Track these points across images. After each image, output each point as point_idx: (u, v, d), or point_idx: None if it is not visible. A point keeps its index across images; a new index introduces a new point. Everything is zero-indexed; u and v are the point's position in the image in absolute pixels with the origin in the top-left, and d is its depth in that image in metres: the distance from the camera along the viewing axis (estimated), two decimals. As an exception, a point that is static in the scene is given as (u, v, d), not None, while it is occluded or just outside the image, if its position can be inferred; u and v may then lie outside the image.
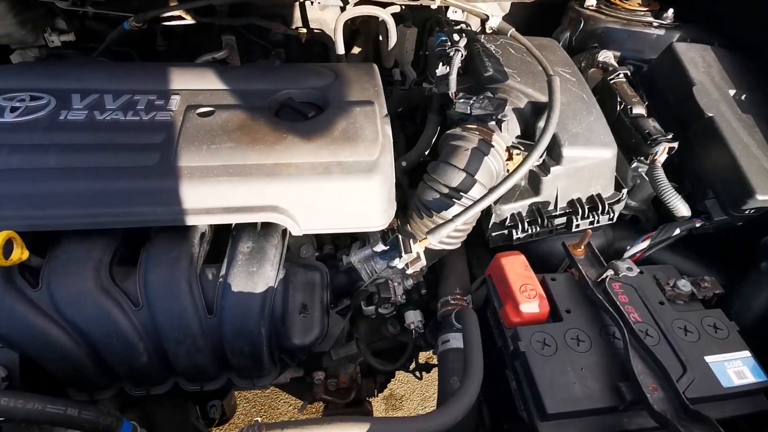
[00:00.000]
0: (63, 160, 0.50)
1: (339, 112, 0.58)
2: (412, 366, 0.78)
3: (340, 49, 0.76)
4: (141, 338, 0.48)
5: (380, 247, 0.56)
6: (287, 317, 0.53)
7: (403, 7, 0.84)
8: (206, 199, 0.50)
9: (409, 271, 0.53)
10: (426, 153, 0.72)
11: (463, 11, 0.94)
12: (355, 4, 0.86)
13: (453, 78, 0.60)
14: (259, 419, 0.39)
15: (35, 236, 0.50)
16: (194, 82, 0.62)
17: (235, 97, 0.60)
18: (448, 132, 0.57)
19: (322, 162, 0.53)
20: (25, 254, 0.47)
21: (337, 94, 0.61)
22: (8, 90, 0.56)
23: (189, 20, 0.83)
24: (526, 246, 0.61)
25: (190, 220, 0.50)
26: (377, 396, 0.78)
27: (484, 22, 0.65)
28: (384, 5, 0.82)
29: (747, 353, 0.47)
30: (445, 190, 0.54)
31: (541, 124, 0.54)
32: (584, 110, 0.60)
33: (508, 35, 0.60)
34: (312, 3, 0.91)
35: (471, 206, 0.49)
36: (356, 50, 0.88)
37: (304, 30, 0.90)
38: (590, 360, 0.46)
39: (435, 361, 0.68)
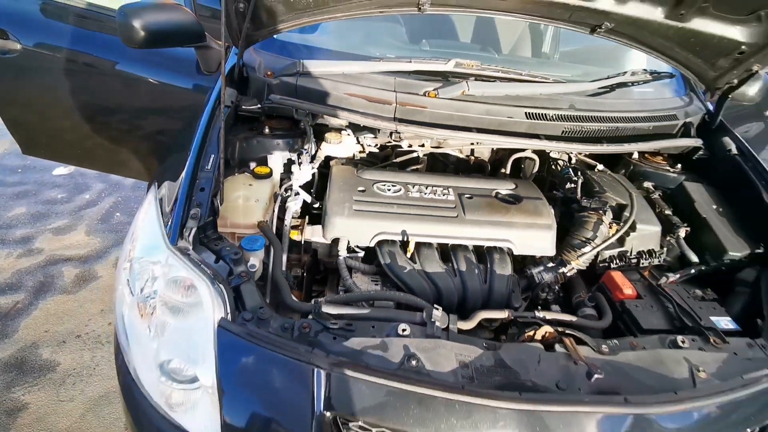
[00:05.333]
0: (414, 209, 1.14)
1: (530, 201, 1.22)
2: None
3: (507, 171, 1.45)
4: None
5: (551, 264, 1.16)
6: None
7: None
8: (478, 234, 1.13)
9: (569, 274, 1.13)
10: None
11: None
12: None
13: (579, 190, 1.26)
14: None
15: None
16: (454, 183, 1.28)
17: (477, 191, 1.25)
18: (580, 214, 1.21)
19: (527, 222, 1.15)
20: (413, 248, 1.10)
21: (524, 193, 1.26)
22: (380, 180, 1.22)
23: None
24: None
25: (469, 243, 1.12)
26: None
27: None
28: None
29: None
30: (584, 239, 1.16)
31: (627, 213, 1.18)
32: (644, 207, 1.24)
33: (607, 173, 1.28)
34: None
35: (598, 246, 1.12)
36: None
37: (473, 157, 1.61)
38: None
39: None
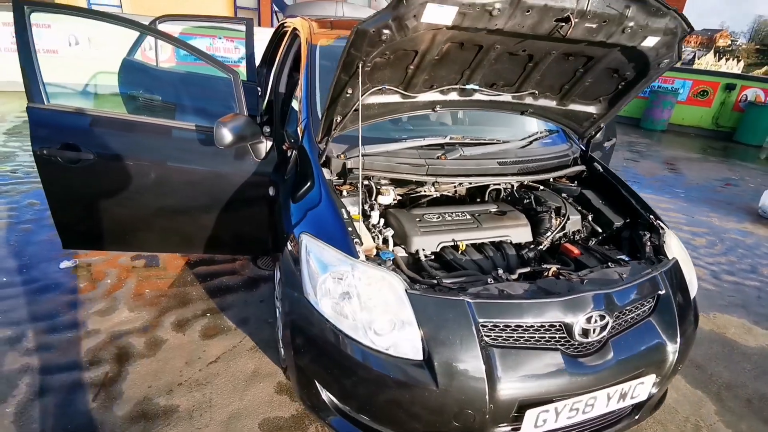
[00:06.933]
0: (453, 226, 1.89)
1: (511, 212, 2.06)
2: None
3: (485, 198, 2.29)
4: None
5: (532, 246, 1.99)
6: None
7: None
8: (492, 234, 1.91)
9: (542, 249, 1.97)
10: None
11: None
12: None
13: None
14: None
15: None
16: (464, 209, 2.05)
17: (480, 211, 2.04)
18: (539, 215, 2.09)
19: (514, 224, 1.97)
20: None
21: (504, 209, 2.10)
22: (424, 213, 1.95)
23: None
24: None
25: (488, 240, 1.91)
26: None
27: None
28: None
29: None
30: (545, 229, 2.03)
31: (563, 211, 2.09)
32: (570, 206, 2.16)
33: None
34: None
35: (554, 231, 1.99)
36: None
37: (457, 194, 2.44)
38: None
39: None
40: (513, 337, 1.46)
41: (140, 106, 3.15)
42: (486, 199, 2.28)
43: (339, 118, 1.80)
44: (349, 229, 1.60)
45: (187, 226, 2.42)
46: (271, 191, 2.21)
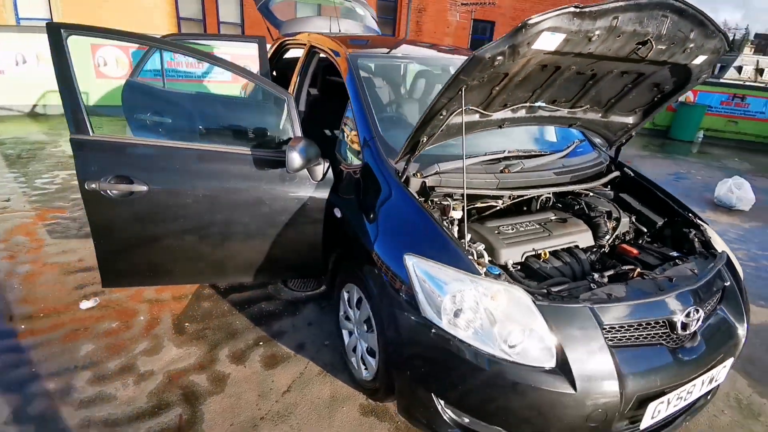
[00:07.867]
0: (529, 236, 1.99)
1: (570, 219, 2.19)
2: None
3: (537, 206, 2.41)
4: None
5: (594, 249, 2.14)
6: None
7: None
8: (563, 241, 2.03)
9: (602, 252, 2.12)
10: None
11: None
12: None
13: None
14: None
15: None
16: (528, 219, 2.15)
17: (543, 219, 2.16)
18: (594, 221, 2.24)
19: (577, 230, 2.11)
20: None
21: (561, 216, 2.23)
22: (498, 225, 2.03)
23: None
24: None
25: (559, 247, 2.02)
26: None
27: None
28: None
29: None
30: (603, 233, 2.18)
31: (615, 214, 2.26)
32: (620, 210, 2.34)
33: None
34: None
35: (612, 234, 2.15)
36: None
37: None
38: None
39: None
40: (626, 336, 1.57)
41: (154, 130, 2.98)
42: (536, 207, 2.41)
43: (425, 139, 1.85)
44: (459, 247, 1.65)
45: (241, 253, 2.33)
46: (338, 212, 2.20)
